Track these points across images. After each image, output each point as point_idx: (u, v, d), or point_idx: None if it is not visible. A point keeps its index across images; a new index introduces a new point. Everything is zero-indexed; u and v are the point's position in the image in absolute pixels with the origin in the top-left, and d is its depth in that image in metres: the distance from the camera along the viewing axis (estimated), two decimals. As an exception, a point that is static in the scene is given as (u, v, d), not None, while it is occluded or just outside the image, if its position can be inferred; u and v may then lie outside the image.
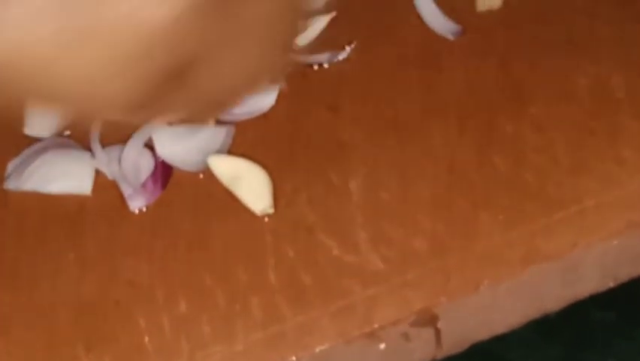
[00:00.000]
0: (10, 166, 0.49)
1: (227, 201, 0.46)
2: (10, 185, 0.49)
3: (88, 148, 0.49)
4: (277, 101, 0.49)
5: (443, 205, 0.46)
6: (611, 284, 0.46)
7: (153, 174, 0.47)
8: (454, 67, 0.50)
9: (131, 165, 0.48)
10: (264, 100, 0.49)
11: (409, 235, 0.45)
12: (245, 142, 0.48)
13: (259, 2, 0.32)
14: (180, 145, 0.48)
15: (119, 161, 0.48)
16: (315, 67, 0.50)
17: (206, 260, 0.45)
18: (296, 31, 0.40)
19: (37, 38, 0.28)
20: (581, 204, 0.45)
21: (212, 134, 0.48)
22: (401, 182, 0.46)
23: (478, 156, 0.47)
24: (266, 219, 0.46)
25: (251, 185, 0.46)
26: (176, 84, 0.31)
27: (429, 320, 0.43)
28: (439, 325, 0.44)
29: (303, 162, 0.47)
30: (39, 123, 0.50)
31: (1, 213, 0.48)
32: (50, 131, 0.50)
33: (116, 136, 0.49)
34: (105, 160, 0.48)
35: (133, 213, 0.47)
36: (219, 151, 0.48)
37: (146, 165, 0.48)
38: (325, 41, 0.51)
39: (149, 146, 0.49)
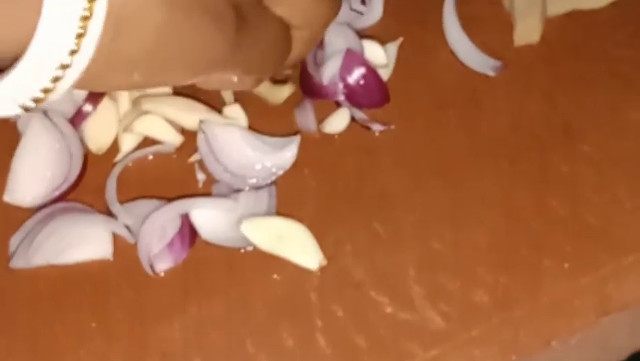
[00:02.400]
0: (14, 242, 0.44)
1: (264, 258, 0.42)
2: (18, 263, 0.43)
3: (96, 209, 0.45)
4: (311, 148, 0.45)
5: (502, 254, 0.42)
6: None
7: (180, 232, 0.43)
8: (496, 104, 0.47)
9: (155, 224, 0.43)
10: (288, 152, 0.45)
11: (468, 288, 0.41)
12: (278, 197, 0.44)
13: None
14: (222, 222, 0.43)
15: (142, 220, 0.43)
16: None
17: (247, 324, 0.41)
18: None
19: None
20: (651, 246, 0.42)
21: (253, 201, 0.43)
22: (454, 230, 0.43)
23: (534, 199, 0.43)
24: (311, 276, 0.42)
25: (295, 243, 0.42)
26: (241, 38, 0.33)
27: (500, 381, 0.39)
28: (508, 386, 0.40)
29: (344, 212, 0.44)
30: (21, 188, 0.45)
31: (10, 282, 0.43)
32: (33, 197, 0.45)
33: (130, 193, 0.45)
34: (129, 220, 0.43)
35: (159, 276, 0.43)
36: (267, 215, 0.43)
37: (172, 222, 0.43)
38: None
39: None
